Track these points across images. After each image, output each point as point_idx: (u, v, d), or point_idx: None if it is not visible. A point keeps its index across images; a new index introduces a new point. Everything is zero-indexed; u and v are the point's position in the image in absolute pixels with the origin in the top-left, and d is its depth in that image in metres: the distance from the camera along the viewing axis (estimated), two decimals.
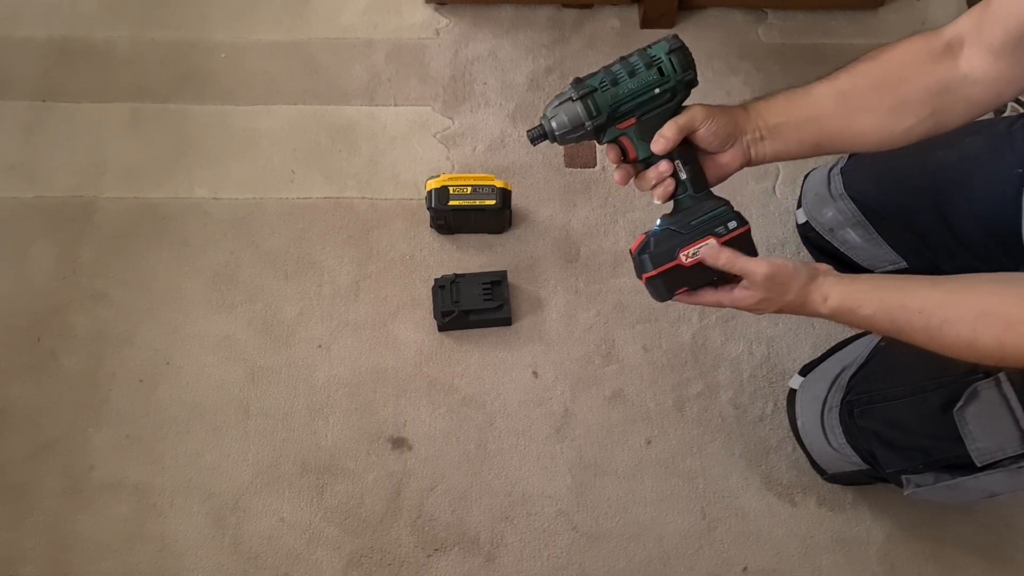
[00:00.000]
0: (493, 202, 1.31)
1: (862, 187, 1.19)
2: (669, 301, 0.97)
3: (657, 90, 0.90)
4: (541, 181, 1.43)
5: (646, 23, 1.55)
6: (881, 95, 0.92)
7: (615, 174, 0.96)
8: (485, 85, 1.51)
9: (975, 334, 0.81)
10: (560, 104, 0.91)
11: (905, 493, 1.06)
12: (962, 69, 0.90)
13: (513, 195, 1.36)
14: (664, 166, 0.92)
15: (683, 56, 0.91)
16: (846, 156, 1.24)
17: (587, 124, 0.90)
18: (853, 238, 1.22)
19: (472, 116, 1.48)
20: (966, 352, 0.83)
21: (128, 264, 1.36)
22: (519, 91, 1.50)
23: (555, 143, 0.94)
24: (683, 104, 0.93)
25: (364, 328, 1.32)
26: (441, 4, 1.58)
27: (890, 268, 1.23)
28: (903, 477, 1.06)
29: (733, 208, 0.94)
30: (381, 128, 1.48)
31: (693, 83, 0.93)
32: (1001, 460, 0.97)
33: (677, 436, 1.26)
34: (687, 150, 0.93)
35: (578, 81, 0.91)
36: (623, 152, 0.94)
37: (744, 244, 0.93)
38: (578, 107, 0.90)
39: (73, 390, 1.28)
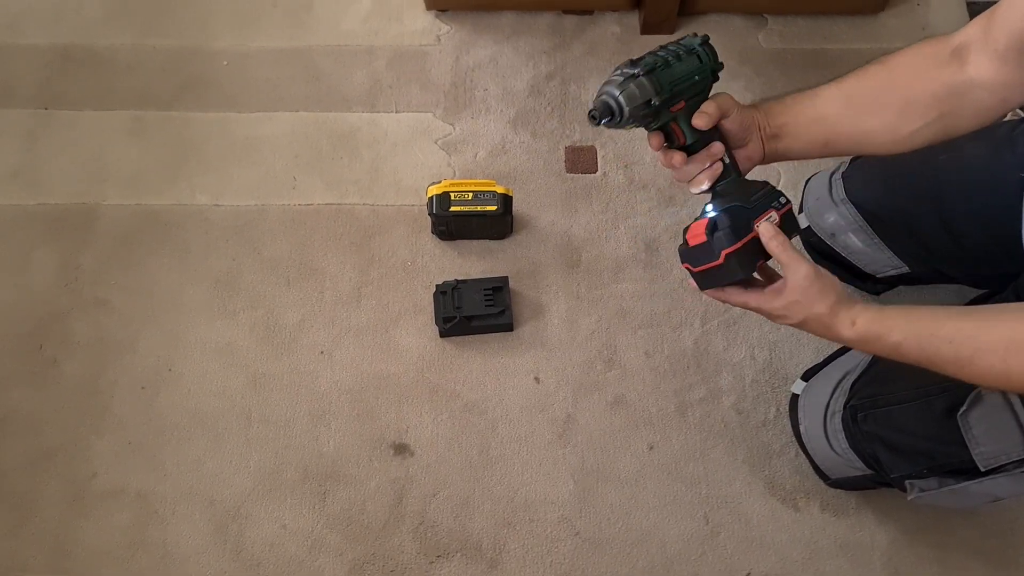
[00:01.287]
0: (494, 208, 1.31)
1: (863, 192, 1.19)
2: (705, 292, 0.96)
3: (697, 76, 0.91)
4: (542, 187, 1.43)
5: (646, 29, 1.55)
6: (888, 97, 0.92)
7: (669, 157, 0.94)
8: (486, 91, 1.51)
9: (1006, 364, 0.80)
10: (625, 81, 0.88)
11: (909, 498, 1.06)
12: (969, 74, 0.90)
13: (514, 201, 1.36)
14: (718, 147, 0.92)
15: (712, 48, 0.93)
16: (847, 161, 1.24)
17: (654, 100, 0.88)
18: (855, 243, 1.22)
19: (473, 122, 1.49)
20: (1000, 382, 0.83)
21: (130, 271, 1.37)
22: (520, 97, 1.50)
23: (617, 123, 0.89)
24: (712, 83, 0.93)
25: (366, 334, 1.32)
26: (442, 11, 1.58)
27: (892, 273, 1.23)
28: (907, 482, 1.06)
29: (774, 187, 0.95)
30: (382, 134, 1.48)
31: (719, 69, 0.94)
32: (1005, 464, 0.96)
33: (679, 441, 1.26)
34: (723, 136, 0.93)
35: (633, 62, 0.89)
36: (669, 138, 0.93)
37: (793, 220, 0.95)
38: (645, 82, 0.87)
39: (75, 397, 1.28)
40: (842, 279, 1.31)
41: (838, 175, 1.24)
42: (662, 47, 0.92)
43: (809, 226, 1.28)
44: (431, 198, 1.32)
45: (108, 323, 1.33)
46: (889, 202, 1.16)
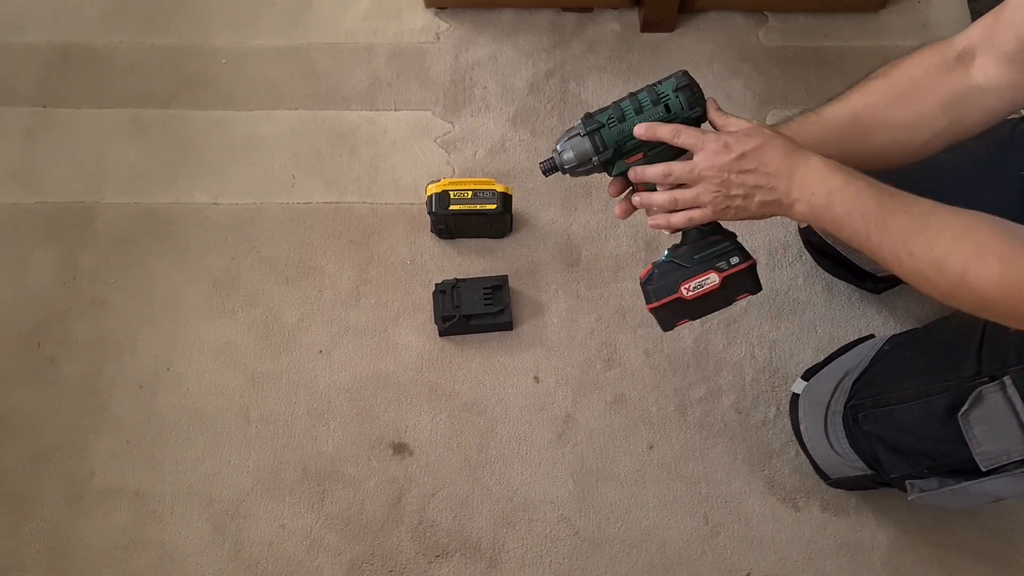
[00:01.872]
0: (494, 206, 1.31)
1: None
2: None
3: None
4: (542, 185, 1.42)
5: (646, 27, 1.55)
6: (895, 112, 0.92)
7: (616, 207, 0.98)
8: (485, 89, 1.51)
9: (946, 253, 0.78)
10: (570, 139, 0.95)
11: (909, 498, 1.06)
12: (975, 79, 0.90)
13: (514, 199, 1.35)
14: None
15: (690, 93, 0.93)
16: None
17: (594, 159, 0.95)
18: None
19: (472, 120, 1.48)
20: (929, 270, 0.80)
21: (129, 270, 1.36)
22: (519, 95, 1.50)
23: (565, 175, 0.98)
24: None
25: (365, 333, 1.32)
26: (441, 8, 1.58)
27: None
28: (907, 482, 1.05)
29: (738, 243, 0.95)
30: (382, 133, 1.47)
31: (701, 120, 0.94)
32: (1006, 464, 0.96)
33: (679, 441, 1.25)
34: None
35: (588, 116, 0.95)
36: (632, 185, 0.97)
37: (748, 281, 0.96)
38: (586, 142, 0.94)
39: (73, 396, 1.28)
40: (842, 278, 1.32)
41: None
42: (632, 94, 0.94)
43: (809, 225, 1.27)
44: (430, 196, 1.32)
45: (107, 322, 1.33)
46: None
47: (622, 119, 0.93)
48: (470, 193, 1.31)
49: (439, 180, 1.34)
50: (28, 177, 1.44)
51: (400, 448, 1.25)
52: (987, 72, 0.89)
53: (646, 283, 0.98)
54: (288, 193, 1.42)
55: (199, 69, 1.53)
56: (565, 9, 1.57)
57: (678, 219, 0.93)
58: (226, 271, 1.36)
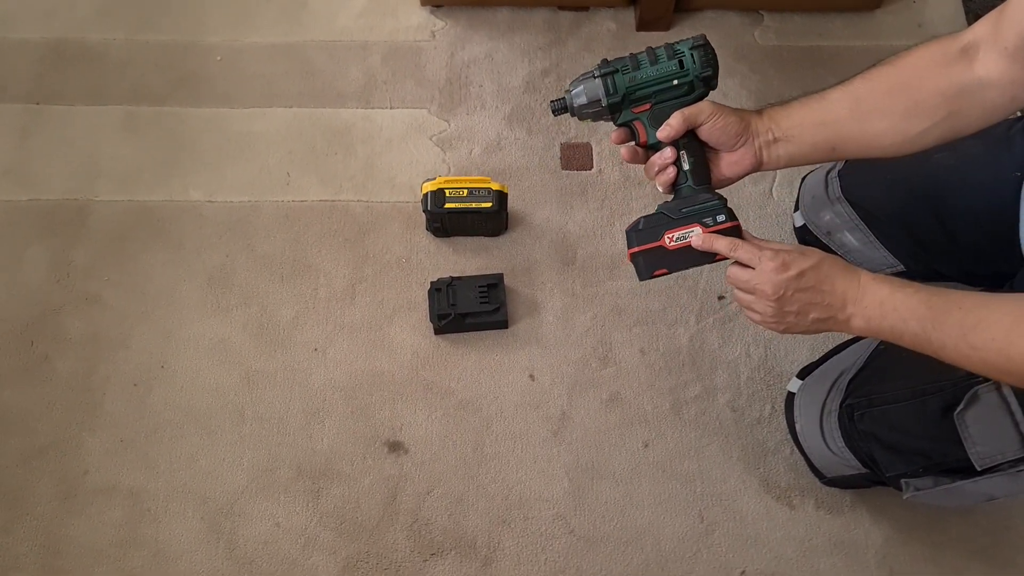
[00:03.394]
0: (489, 204, 1.30)
1: (860, 190, 1.19)
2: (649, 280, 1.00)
3: (675, 81, 0.95)
4: (538, 184, 1.42)
5: (642, 25, 1.55)
6: (895, 98, 0.92)
7: (623, 150, 0.99)
8: (481, 88, 1.51)
9: (1009, 339, 0.80)
10: (583, 79, 0.97)
11: (904, 497, 1.06)
12: (977, 73, 0.90)
13: (509, 198, 1.35)
14: (668, 153, 0.94)
15: (705, 53, 0.95)
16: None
17: (603, 101, 0.96)
18: (851, 241, 1.21)
19: (468, 119, 1.48)
20: (998, 357, 0.81)
21: (122, 267, 1.36)
22: (515, 94, 1.50)
23: (574, 116, 0.99)
24: (701, 98, 0.97)
25: (360, 331, 1.32)
26: (437, 6, 1.57)
27: (888, 271, 1.22)
28: (902, 481, 1.06)
29: (727, 205, 0.96)
30: (377, 131, 1.47)
31: (711, 80, 0.96)
32: (1001, 464, 0.96)
33: (675, 439, 1.25)
34: (694, 143, 0.97)
35: (604, 61, 0.96)
36: (634, 135, 0.99)
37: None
38: (598, 84, 0.95)
39: (67, 394, 1.27)
40: None
41: (834, 173, 1.23)
42: (650, 48, 0.95)
43: (805, 224, 1.28)
44: (425, 195, 1.32)
45: (100, 320, 1.32)
46: (885, 200, 1.16)
47: (636, 67, 0.96)
48: (465, 191, 1.31)
49: (434, 178, 1.33)
50: (21, 174, 1.43)
51: (395, 446, 1.25)
52: (989, 67, 0.89)
53: (631, 230, 0.99)
54: (283, 191, 1.42)
55: (194, 66, 1.52)
56: (561, 8, 1.57)
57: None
58: (221, 269, 1.36)
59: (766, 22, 1.57)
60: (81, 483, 1.22)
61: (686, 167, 0.97)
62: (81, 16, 1.57)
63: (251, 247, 1.37)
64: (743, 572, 1.18)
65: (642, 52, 0.96)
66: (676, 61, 0.95)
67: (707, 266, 1.03)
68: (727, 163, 0.96)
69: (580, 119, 1.01)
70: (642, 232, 0.98)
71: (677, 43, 0.96)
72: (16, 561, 1.18)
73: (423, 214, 1.34)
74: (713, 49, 0.96)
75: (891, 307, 0.86)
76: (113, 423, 1.25)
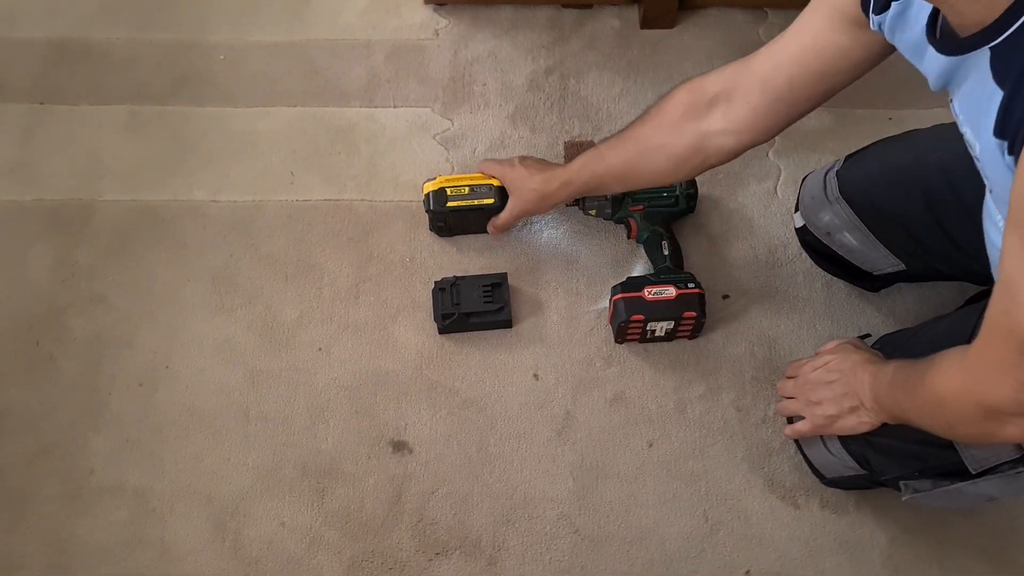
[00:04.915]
0: (491, 200, 1.30)
1: (858, 190, 1.19)
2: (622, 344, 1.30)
3: (665, 193, 1.32)
4: None
5: (646, 23, 1.54)
6: (657, 158, 1.13)
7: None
8: (484, 86, 1.50)
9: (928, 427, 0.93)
10: None
11: (903, 499, 1.06)
12: (718, 124, 1.08)
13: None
14: None
15: (690, 179, 1.33)
16: (842, 159, 1.23)
17: (607, 196, 1.32)
18: (850, 241, 1.21)
19: (472, 117, 1.48)
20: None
21: (127, 267, 1.36)
22: (519, 92, 1.50)
23: (581, 209, 1.36)
24: (683, 212, 1.36)
25: (364, 331, 1.32)
26: (440, 4, 1.57)
27: (889, 270, 1.22)
28: (900, 483, 1.06)
29: (695, 277, 1.27)
30: (380, 129, 1.47)
31: (692, 200, 1.35)
32: (997, 466, 0.96)
33: (679, 438, 1.25)
34: (672, 237, 1.31)
35: None
36: (628, 229, 1.35)
37: (695, 302, 1.24)
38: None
39: (72, 394, 1.27)
40: (840, 277, 1.32)
41: (832, 173, 1.23)
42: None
43: (805, 225, 1.27)
44: (427, 195, 1.32)
45: (105, 319, 1.32)
46: (883, 199, 1.16)
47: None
48: (467, 189, 1.31)
49: (434, 178, 1.33)
50: (25, 174, 1.43)
51: (400, 446, 1.25)
52: (731, 117, 1.07)
53: (616, 284, 1.27)
54: (287, 190, 1.42)
55: (197, 65, 1.52)
56: (565, 5, 1.56)
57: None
58: (225, 268, 1.36)
59: (770, 19, 1.56)
60: (86, 483, 1.22)
61: (666, 253, 1.29)
62: (84, 15, 1.57)
63: (255, 246, 1.37)
64: (748, 572, 1.18)
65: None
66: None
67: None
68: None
69: (585, 212, 1.35)
70: (627, 285, 1.26)
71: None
72: (22, 560, 1.18)
73: (425, 214, 1.34)
74: (695, 178, 1.32)
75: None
76: (118, 423, 1.26)
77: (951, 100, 0.88)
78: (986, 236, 0.92)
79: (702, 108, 1.08)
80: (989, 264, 0.94)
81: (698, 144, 1.10)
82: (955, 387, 0.84)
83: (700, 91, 1.09)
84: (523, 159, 1.29)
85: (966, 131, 0.85)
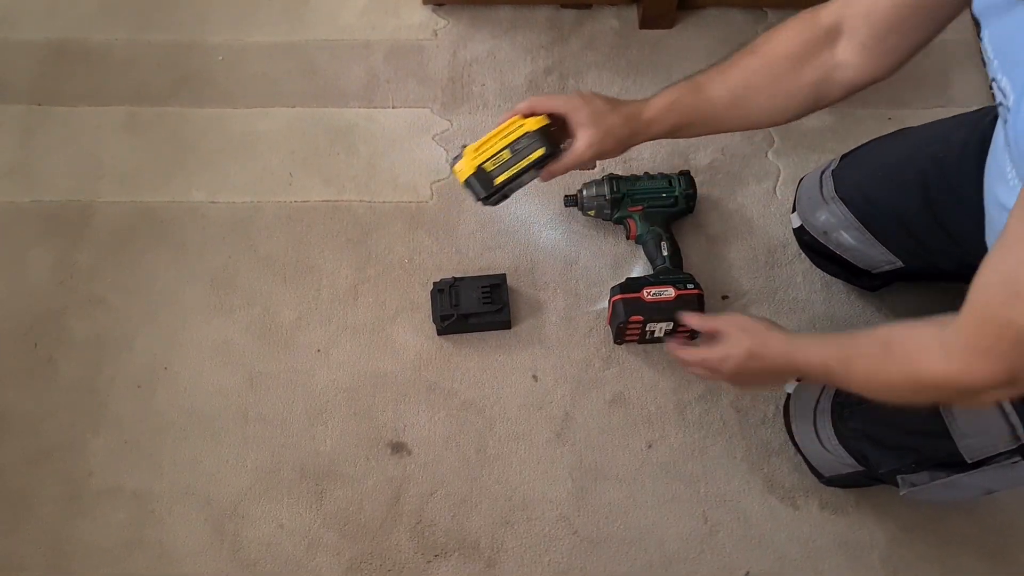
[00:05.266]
0: (542, 151, 1.03)
1: (853, 189, 1.19)
2: (621, 345, 1.30)
3: (664, 193, 1.33)
4: (540, 183, 1.41)
5: (645, 23, 1.54)
6: (772, 94, 1.02)
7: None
8: (483, 86, 1.50)
9: (877, 394, 0.92)
10: (594, 182, 1.33)
11: (901, 493, 1.05)
12: (839, 57, 0.99)
13: (509, 198, 1.34)
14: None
15: (688, 178, 1.35)
16: (837, 158, 1.23)
17: (607, 195, 1.32)
18: (847, 240, 1.21)
19: (471, 118, 1.48)
20: (887, 397, 0.92)
21: (126, 268, 1.36)
22: (518, 92, 1.49)
23: (581, 210, 1.35)
24: (683, 212, 1.34)
25: (363, 332, 1.31)
26: (439, 5, 1.57)
27: (887, 268, 1.22)
28: (898, 477, 1.05)
29: (694, 278, 1.27)
30: (380, 130, 1.47)
31: (691, 201, 1.34)
32: (993, 456, 0.96)
33: (678, 440, 1.25)
34: (672, 237, 1.31)
35: (612, 175, 1.35)
36: (627, 229, 1.34)
37: (694, 302, 1.23)
38: (605, 184, 1.33)
39: (71, 396, 1.27)
40: (839, 277, 1.32)
41: (828, 173, 1.23)
42: (649, 172, 1.35)
43: (802, 225, 1.27)
44: (467, 181, 1.06)
45: (104, 321, 1.32)
46: (879, 197, 1.16)
47: (636, 180, 1.34)
48: (507, 153, 1.04)
49: (460, 153, 1.07)
50: (24, 175, 1.43)
51: (398, 447, 1.25)
52: (848, 53, 0.99)
53: (615, 285, 1.27)
54: (286, 191, 1.42)
55: (196, 66, 1.52)
56: (564, 5, 1.56)
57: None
58: (224, 270, 1.36)
59: (770, 19, 1.56)
60: (86, 485, 1.22)
61: (665, 254, 1.29)
62: (83, 16, 1.57)
63: (254, 248, 1.37)
64: (747, 573, 1.18)
65: (642, 174, 1.34)
66: (666, 180, 1.33)
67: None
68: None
69: (584, 212, 1.35)
70: (626, 286, 1.26)
71: (668, 173, 1.34)
72: (22, 562, 1.18)
73: (478, 203, 1.08)
74: (694, 178, 1.34)
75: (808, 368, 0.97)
76: (117, 425, 1.26)
77: (981, 36, 0.85)
78: (988, 202, 0.92)
79: (819, 40, 0.99)
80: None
81: (816, 79, 1.00)
82: (937, 372, 0.82)
83: (815, 23, 1.00)
84: (582, 92, 1.08)
85: (998, 76, 0.81)
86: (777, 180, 1.43)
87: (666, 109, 1.03)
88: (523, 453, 1.24)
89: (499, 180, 1.05)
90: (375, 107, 1.49)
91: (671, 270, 1.28)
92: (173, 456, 1.24)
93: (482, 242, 1.37)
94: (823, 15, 1.00)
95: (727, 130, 1.12)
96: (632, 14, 1.56)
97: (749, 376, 1.02)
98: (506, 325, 1.31)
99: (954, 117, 1.16)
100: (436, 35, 1.55)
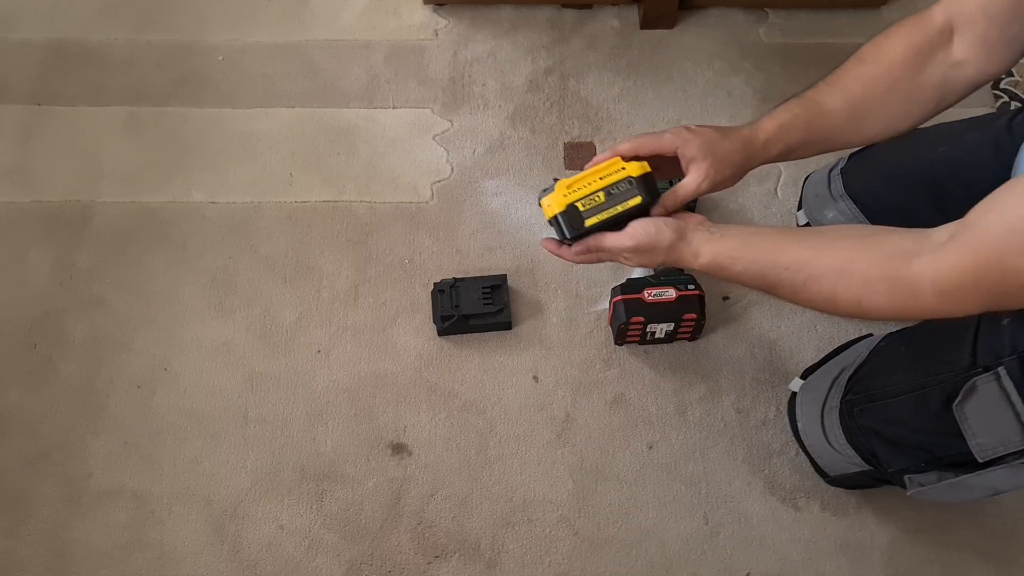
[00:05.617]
0: (639, 200, 0.97)
1: (862, 187, 1.18)
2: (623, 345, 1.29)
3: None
4: (541, 183, 1.41)
5: (646, 23, 1.54)
6: (892, 104, 0.97)
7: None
8: (484, 87, 1.50)
9: (835, 291, 0.85)
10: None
11: (908, 493, 1.05)
12: (956, 56, 0.95)
13: (509, 198, 1.34)
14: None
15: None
16: (846, 156, 1.23)
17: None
18: None
19: (471, 118, 1.47)
20: (827, 306, 0.88)
21: (125, 269, 1.36)
22: (519, 92, 1.49)
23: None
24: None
25: (363, 333, 1.31)
26: (440, 5, 1.57)
27: None
28: (906, 477, 1.05)
29: (694, 279, 1.25)
30: (380, 130, 1.47)
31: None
32: (1004, 456, 0.95)
33: (679, 441, 1.25)
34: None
35: None
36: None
37: (695, 304, 1.24)
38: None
39: (70, 397, 1.27)
40: None
41: (837, 171, 1.23)
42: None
43: (808, 223, 1.27)
44: (554, 218, 0.99)
45: (104, 322, 1.32)
46: (888, 196, 1.16)
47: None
48: (601, 195, 0.98)
49: (551, 187, 0.99)
50: (23, 176, 1.43)
51: (399, 448, 1.24)
52: (966, 49, 0.94)
53: (616, 286, 1.25)
54: (286, 192, 1.42)
55: (196, 66, 1.52)
56: (564, 5, 1.56)
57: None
58: (224, 270, 1.36)
59: (771, 19, 1.56)
60: (85, 486, 1.22)
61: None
62: (82, 16, 1.56)
63: (254, 248, 1.37)
64: (748, 574, 1.18)
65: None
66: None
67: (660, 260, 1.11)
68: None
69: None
70: (626, 286, 1.25)
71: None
72: (21, 564, 1.18)
73: (563, 242, 1.01)
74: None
75: (728, 268, 0.94)
76: (117, 426, 1.25)
77: None
78: None
79: (933, 41, 0.96)
80: None
81: (937, 81, 0.96)
82: (923, 277, 0.81)
83: (927, 23, 0.97)
84: (688, 126, 1.01)
85: None
86: (778, 181, 1.42)
87: (782, 130, 0.98)
88: (524, 454, 1.24)
89: (590, 223, 0.98)
90: (375, 107, 1.48)
91: (672, 271, 1.28)
92: (173, 457, 1.24)
93: (483, 243, 1.37)
94: (934, 15, 0.96)
95: (841, 147, 1.04)
96: (633, 14, 1.55)
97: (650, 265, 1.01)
98: (507, 326, 1.31)
99: (966, 119, 1.16)
100: (437, 35, 1.55)
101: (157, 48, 1.54)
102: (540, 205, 1.01)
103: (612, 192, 0.97)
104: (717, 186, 1.00)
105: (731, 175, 0.99)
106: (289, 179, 1.43)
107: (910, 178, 1.14)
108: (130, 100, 1.49)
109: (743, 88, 1.49)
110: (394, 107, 1.48)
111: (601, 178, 0.98)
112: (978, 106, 1.39)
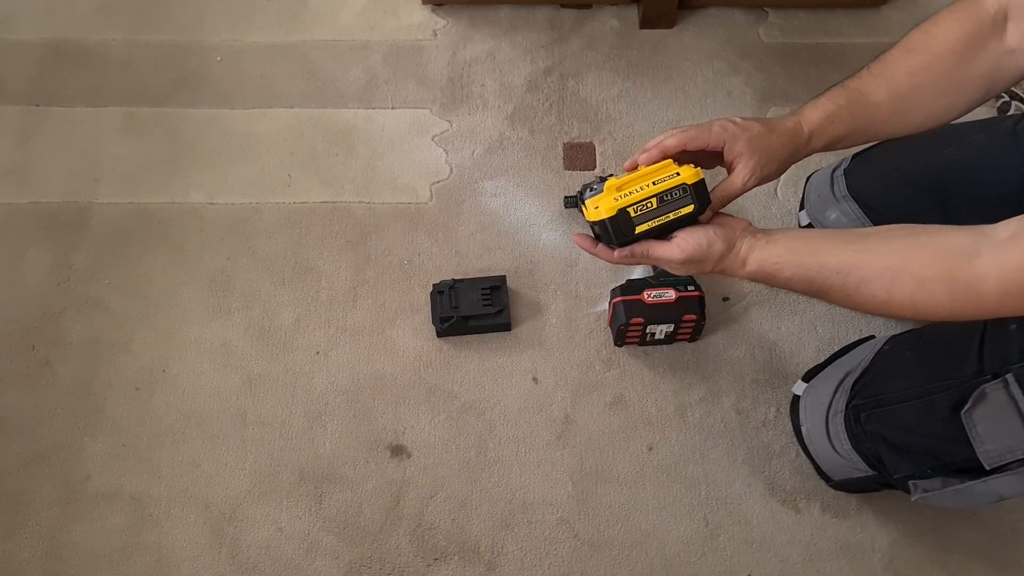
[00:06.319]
0: (690, 208, 0.94)
1: (866, 188, 1.18)
2: (622, 347, 1.28)
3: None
4: (540, 184, 1.41)
5: (646, 23, 1.53)
6: (938, 95, 0.95)
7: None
8: (483, 87, 1.49)
9: (890, 293, 0.84)
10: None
11: (913, 499, 1.05)
12: (1008, 44, 0.92)
13: (510, 199, 1.34)
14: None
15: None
16: (849, 156, 1.22)
17: None
18: None
19: (470, 118, 1.47)
20: (882, 309, 0.87)
21: (123, 270, 1.35)
22: (518, 92, 1.49)
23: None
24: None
25: (362, 334, 1.31)
26: (438, 5, 1.56)
27: None
28: (910, 483, 1.05)
29: (695, 280, 1.24)
30: (379, 131, 1.46)
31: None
32: (1010, 463, 0.95)
33: (679, 442, 1.24)
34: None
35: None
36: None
37: (695, 304, 1.23)
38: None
39: (68, 398, 1.27)
40: None
41: (840, 171, 1.22)
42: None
43: (811, 223, 1.26)
44: (602, 222, 0.95)
45: (102, 323, 1.31)
46: (892, 197, 1.15)
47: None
48: (654, 201, 0.94)
49: (598, 186, 0.96)
50: (21, 176, 1.42)
51: (398, 450, 1.24)
52: (1019, 37, 0.91)
53: (615, 287, 1.25)
54: (284, 192, 1.41)
55: (194, 66, 1.51)
56: (563, 5, 1.56)
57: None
58: (222, 271, 1.35)
59: (771, 19, 1.55)
60: (83, 488, 1.21)
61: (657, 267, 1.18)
62: (80, 16, 1.56)
63: (252, 249, 1.37)
64: None
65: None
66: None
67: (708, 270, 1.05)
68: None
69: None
70: (626, 287, 1.24)
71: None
72: (18, 567, 1.17)
73: (611, 247, 0.99)
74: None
75: (775, 276, 0.92)
76: (115, 428, 1.25)
77: None
78: None
79: (985, 29, 0.93)
80: None
81: (986, 71, 0.93)
82: (949, 305, 0.81)
83: (979, 10, 0.93)
84: (734, 119, 0.99)
85: None
86: (778, 181, 1.42)
87: (827, 121, 0.96)
88: (523, 456, 1.24)
89: (640, 229, 0.94)
90: (374, 108, 1.48)
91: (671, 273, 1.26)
92: (171, 459, 1.23)
93: (482, 244, 1.37)
94: (986, 2, 0.93)
95: (885, 137, 1.02)
96: (632, 14, 1.55)
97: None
98: (506, 327, 1.30)
99: (971, 121, 1.15)
100: (435, 35, 1.54)
101: (155, 48, 1.53)
102: (582, 204, 0.96)
103: (665, 199, 0.93)
104: (763, 181, 0.97)
105: (776, 169, 0.97)
106: (288, 180, 1.42)
107: (914, 180, 1.14)
108: (128, 100, 1.48)
109: (742, 88, 1.49)
110: (393, 107, 1.48)
111: (654, 183, 0.93)
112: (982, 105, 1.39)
